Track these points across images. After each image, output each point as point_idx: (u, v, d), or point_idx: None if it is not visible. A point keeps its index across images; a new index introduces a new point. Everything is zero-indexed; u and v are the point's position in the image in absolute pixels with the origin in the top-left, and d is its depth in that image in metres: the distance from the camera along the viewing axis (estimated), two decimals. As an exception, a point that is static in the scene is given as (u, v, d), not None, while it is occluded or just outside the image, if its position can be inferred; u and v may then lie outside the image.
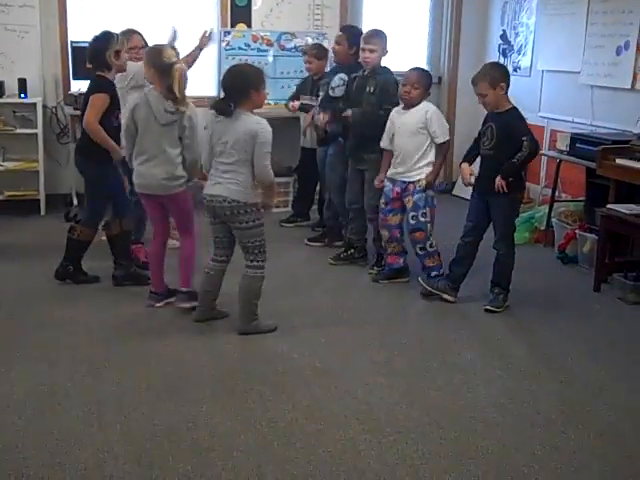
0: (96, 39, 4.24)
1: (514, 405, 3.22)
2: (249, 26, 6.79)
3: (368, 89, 4.73)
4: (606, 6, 5.75)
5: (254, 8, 6.78)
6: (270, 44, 6.76)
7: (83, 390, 3.22)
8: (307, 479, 2.65)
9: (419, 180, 4.49)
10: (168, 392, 3.23)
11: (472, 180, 4.29)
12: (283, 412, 3.08)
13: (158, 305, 4.17)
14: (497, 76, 4.11)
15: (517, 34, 7.00)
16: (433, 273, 4.55)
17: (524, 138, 4.03)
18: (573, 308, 4.45)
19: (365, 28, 7.19)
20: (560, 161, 5.61)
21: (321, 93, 5.37)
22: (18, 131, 6.03)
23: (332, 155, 5.35)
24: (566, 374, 3.54)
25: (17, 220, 5.91)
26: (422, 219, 4.49)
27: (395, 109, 4.60)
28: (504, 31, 7.18)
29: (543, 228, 5.71)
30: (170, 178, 3.93)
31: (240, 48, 6.68)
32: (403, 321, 4.19)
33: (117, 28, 4.66)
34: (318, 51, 5.74)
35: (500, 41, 7.23)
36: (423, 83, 4.49)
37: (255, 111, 3.71)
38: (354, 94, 4.85)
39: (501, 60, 7.14)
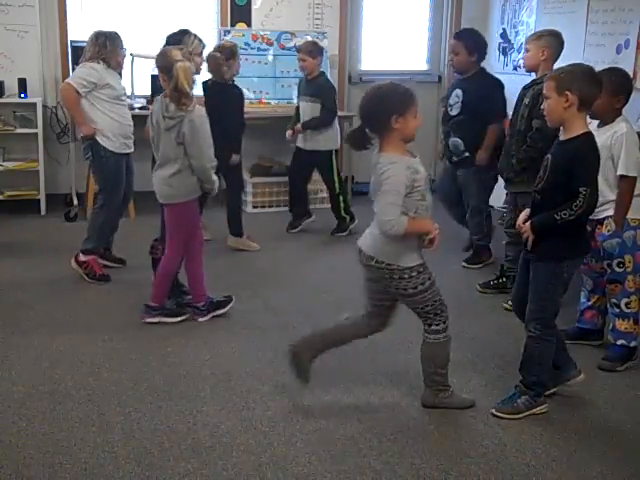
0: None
1: (514, 404, 3.22)
2: (249, 25, 6.79)
3: (525, 101, 4.11)
4: (606, 4, 5.74)
5: (254, 7, 6.79)
6: (270, 43, 6.75)
7: (83, 390, 3.23)
8: (307, 479, 2.65)
9: (606, 220, 3.49)
10: (168, 392, 3.23)
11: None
12: (283, 412, 3.08)
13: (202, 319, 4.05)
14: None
15: (517, 33, 6.98)
16: (620, 341, 3.58)
17: (582, 189, 2.85)
18: (574, 307, 4.43)
19: (365, 28, 7.29)
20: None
21: (441, 109, 4.94)
22: (18, 131, 6.03)
23: (462, 176, 4.98)
24: (566, 373, 3.54)
25: (17, 220, 5.91)
26: (617, 269, 3.51)
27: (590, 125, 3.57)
28: (504, 30, 7.17)
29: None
30: (169, 186, 3.82)
31: (240, 47, 6.65)
32: (403, 320, 4.18)
33: (118, 28, 4.66)
34: (313, 49, 5.55)
35: (500, 40, 7.22)
36: (610, 89, 3.33)
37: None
38: (517, 107, 4.22)
39: (501, 59, 7.15)
